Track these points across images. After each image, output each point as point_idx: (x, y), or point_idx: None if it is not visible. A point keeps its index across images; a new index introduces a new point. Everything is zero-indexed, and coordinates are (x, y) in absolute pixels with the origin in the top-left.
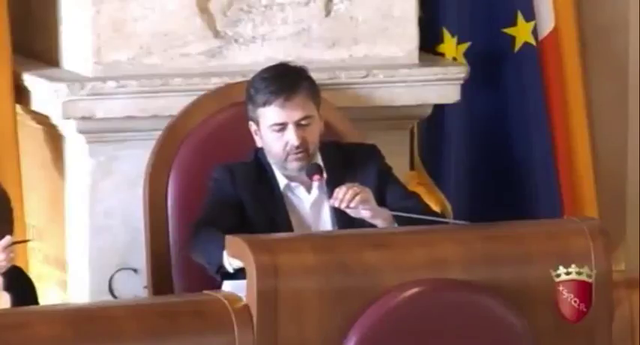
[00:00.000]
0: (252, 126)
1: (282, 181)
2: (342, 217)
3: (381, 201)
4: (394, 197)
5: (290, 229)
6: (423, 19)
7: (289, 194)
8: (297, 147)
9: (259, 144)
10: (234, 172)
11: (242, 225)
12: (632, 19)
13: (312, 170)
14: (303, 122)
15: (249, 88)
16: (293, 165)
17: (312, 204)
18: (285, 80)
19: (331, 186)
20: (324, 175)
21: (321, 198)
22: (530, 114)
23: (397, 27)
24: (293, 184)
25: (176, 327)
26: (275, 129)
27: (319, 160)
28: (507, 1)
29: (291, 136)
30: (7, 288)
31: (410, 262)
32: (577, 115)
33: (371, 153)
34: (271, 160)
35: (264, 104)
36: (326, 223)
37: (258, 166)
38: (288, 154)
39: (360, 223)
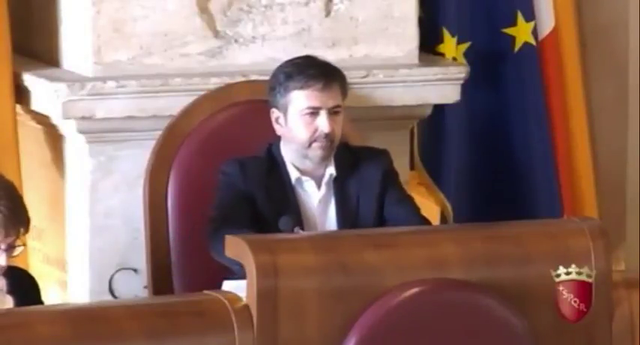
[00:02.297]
0: (275, 113)
1: (293, 175)
2: (347, 217)
3: (382, 204)
4: (390, 200)
5: (300, 223)
6: (423, 19)
7: (299, 189)
8: (326, 135)
9: (279, 132)
10: (244, 167)
11: (256, 217)
12: (632, 19)
13: (290, 224)
14: (335, 110)
15: (279, 74)
16: (316, 153)
17: (320, 200)
18: (324, 67)
19: (339, 185)
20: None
21: (329, 195)
22: (530, 114)
23: (397, 27)
24: (304, 177)
25: (176, 327)
26: (307, 113)
27: (331, 159)
28: (507, 1)
29: (323, 122)
30: (11, 290)
31: (410, 262)
32: (577, 115)
33: (379, 157)
34: (288, 151)
35: (302, 87)
36: (332, 220)
37: (270, 160)
38: (314, 141)
39: (365, 223)
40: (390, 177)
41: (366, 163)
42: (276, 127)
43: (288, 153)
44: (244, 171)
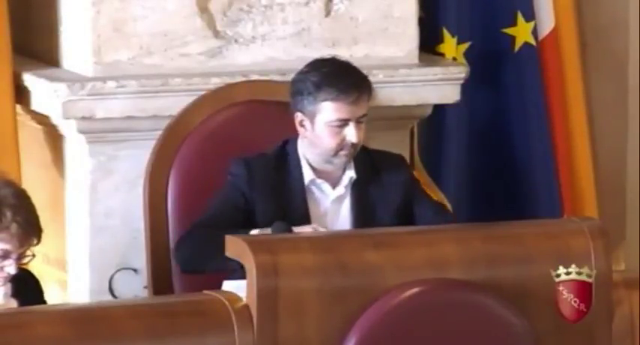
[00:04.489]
0: (299, 116)
1: (308, 176)
2: (361, 216)
3: (408, 212)
4: (427, 213)
5: (307, 223)
6: (423, 19)
7: (313, 188)
8: (353, 144)
9: (303, 135)
10: (251, 168)
11: (247, 225)
12: (632, 19)
13: (282, 230)
14: (361, 120)
15: (306, 81)
16: (341, 160)
17: (334, 200)
18: (354, 78)
19: (358, 189)
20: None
21: (344, 196)
22: (530, 114)
23: (397, 27)
24: (319, 180)
25: (176, 327)
26: (336, 124)
27: (351, 161)
28: (507, 1)
29: (351, 133)
30: (15, 293)
31: (410, 262)
32: (577, 115)
33: (399, 163)
34: (308, 152)
35: (333, 100)
36: (345, 219)
37: (281, 157)
38: (340, 150)
39: (380, 222)
40: (414, 188)
41: (385, 171)
42: (300, 129)
43: (309, 154)
44: (251, 172)
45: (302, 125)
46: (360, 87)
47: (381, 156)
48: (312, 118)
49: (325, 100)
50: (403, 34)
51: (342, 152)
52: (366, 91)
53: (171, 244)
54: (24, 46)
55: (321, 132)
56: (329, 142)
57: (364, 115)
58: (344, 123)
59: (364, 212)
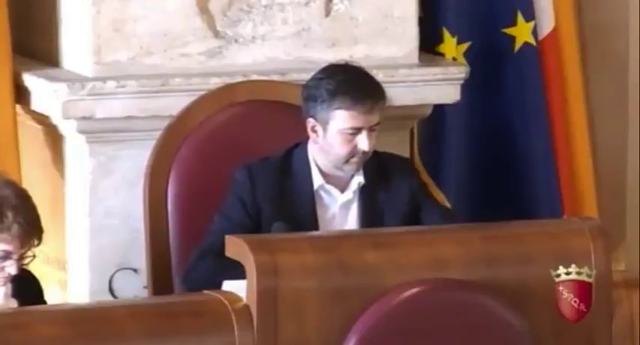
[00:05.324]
0: (311, 122)
1: (317, 181)
2: (368, 221)
3: (414, 216)
4: (434, 217)
5: (315, 227)
6: (423, 19)
7: (322, 193)
8: (364, 152)
9: (315, 141)
10: (253, 175)
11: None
12: (632, 19)
13: (282, 230)
14: (374, 128)
15: (320, 87)
16: (352, 167)
17: (342, 204)
18: (369, 87)
19: (366, 194)
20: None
21: (352, 201)
22: (530, 114)
23: (397, 27)
24: (327, 186)
25: (176, 327)
26: (348, 132)
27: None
28: (507, 1)
29: (363, 142)
30: (15, 293)
31: (410, 262)
32: (577, 114)
33: (406, 167)
34: (320, 158)
35: (347, 109)
36: (352, 224)
37: (288, 162)
38: (351, 157)
39: (387, 227)
40: (421, 192)
41: (393, 176)
42: (311, 135)
43: (319, 159)
44: (253, 181)
45: (314, 131)
46: (375, 96)
47: (389, 160)
48: (324, 125)
49: (339, 108)
50: (403, 34)
51: (353, 160)
52: (380, 100)
53: (172, 244)
54: (24, 46)
55: (333, 139)
56: (340, 150)
57: (377, 124)
58: (357, 131)
59: (372, 217)
